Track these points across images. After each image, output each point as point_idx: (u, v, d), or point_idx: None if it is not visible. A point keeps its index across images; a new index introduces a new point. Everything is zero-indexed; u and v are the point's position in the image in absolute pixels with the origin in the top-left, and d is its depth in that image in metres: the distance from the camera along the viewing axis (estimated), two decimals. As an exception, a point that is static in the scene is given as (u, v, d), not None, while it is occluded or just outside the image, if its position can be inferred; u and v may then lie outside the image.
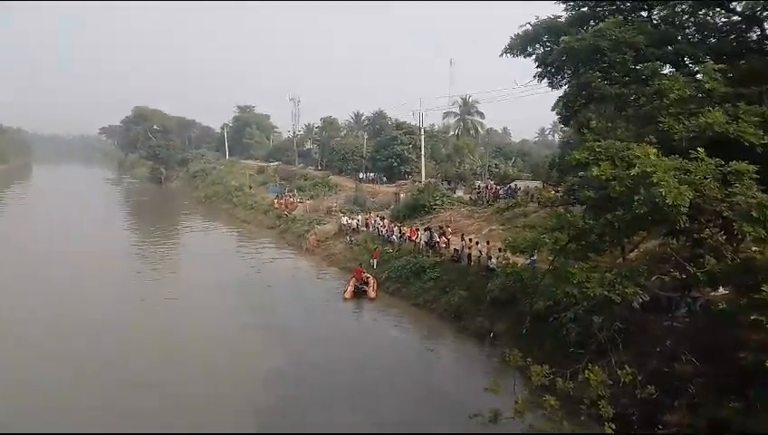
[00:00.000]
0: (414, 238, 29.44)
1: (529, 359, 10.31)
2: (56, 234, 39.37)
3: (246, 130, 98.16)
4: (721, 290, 13.75)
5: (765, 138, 9.80)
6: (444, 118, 72.86)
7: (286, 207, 47.23)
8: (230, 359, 18.36)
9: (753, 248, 11.80)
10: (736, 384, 11.68)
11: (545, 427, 9.68)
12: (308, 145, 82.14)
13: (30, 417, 13.98)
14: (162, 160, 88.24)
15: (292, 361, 18.30)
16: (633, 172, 9.27)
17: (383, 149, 56.72)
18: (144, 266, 32.39)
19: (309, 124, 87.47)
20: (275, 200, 50.16)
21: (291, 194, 52.37)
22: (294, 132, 77.81)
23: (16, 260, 31.22)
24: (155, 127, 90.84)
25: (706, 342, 13.01)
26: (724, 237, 10.67)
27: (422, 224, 33.01)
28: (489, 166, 51.37)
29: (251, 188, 60.76)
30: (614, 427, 9.28)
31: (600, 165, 9.86)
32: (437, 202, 35.88)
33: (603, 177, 9.70)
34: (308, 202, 47.81)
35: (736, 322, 12.42)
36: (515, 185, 37.40)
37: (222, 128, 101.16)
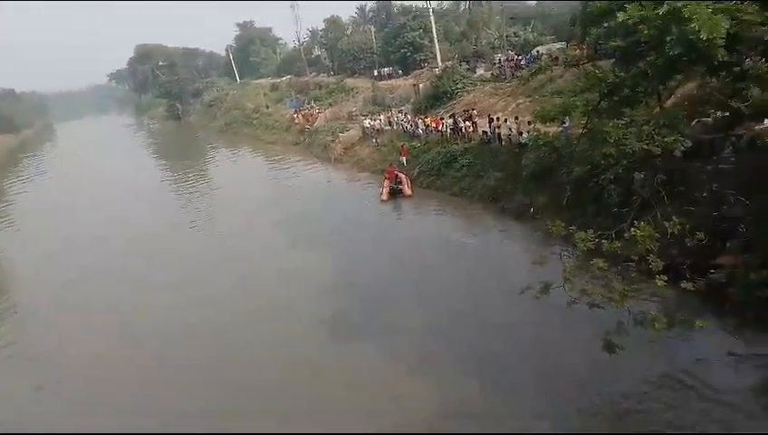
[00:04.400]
0: (440, 128, 28.84)
1: (573, 227, 10.17)
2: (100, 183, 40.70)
3: (251, 48, 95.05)
4: (766, 122, 13.10)
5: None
6: (452, -8, 68.14)
7: (306, 120, 46.64)
8: (287, 269, 19.13)
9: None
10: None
11: (596, 290, 9.73)
12: (316, 52, 79.17)
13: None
14: (175, 96, 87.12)
15: (346, 267, 18.82)
16: (662, 11, 8.50)
17: (393, 39, 53.94)
18: (185, 197, 33.56)
19: (313, 29, 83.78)
20: (294, 115, 49.55)
21: (308, 106, 51.48)
22: (300, 40, 75.09)
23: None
24: (160, 63, 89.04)
25: (754, 178, 12.59)
26: (767, 65, 9.90)
27: (446, 112, 32.13)
28: (507, 36, 48.32)
29: (268, 107, 59.97)
30: (665, 278, 9.27)
31: (625, 9, 9.06)
32: (458, 86, 34.51)
33: (630, 21, 8.94)
34: (327, 111, 46.97)
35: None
36: (537, 51, 35.41)
37: (226, 50, 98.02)
